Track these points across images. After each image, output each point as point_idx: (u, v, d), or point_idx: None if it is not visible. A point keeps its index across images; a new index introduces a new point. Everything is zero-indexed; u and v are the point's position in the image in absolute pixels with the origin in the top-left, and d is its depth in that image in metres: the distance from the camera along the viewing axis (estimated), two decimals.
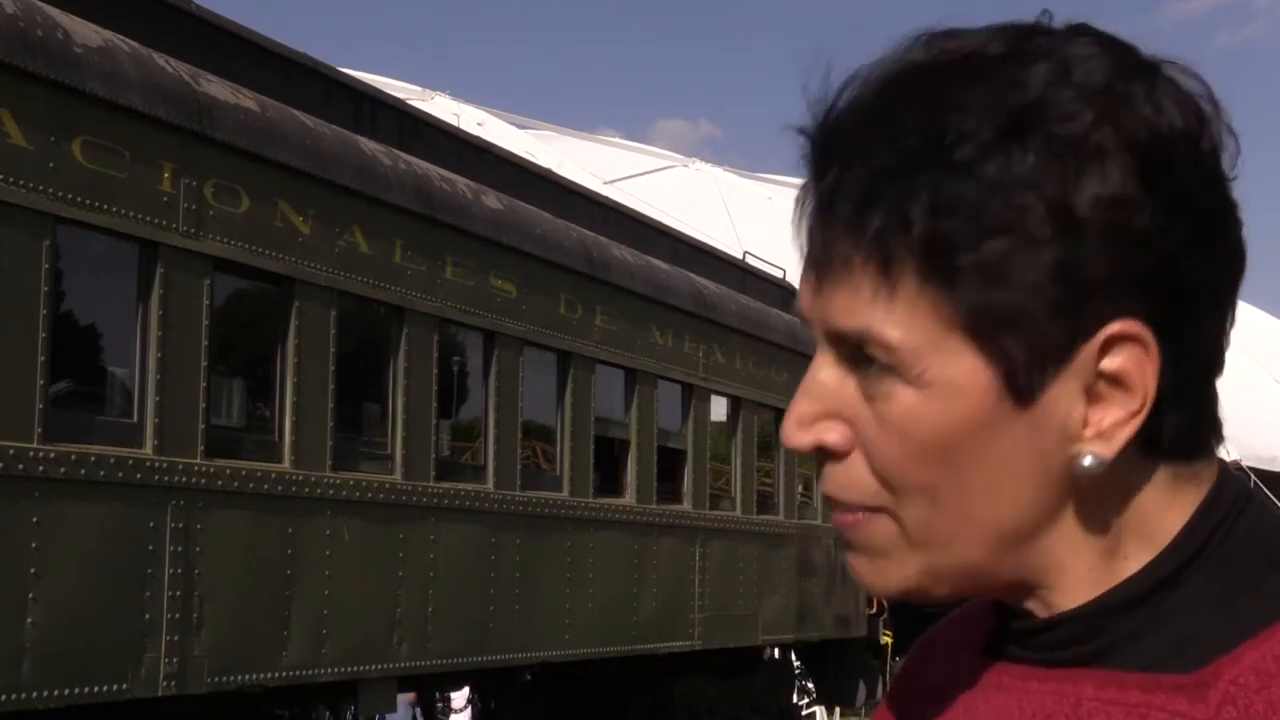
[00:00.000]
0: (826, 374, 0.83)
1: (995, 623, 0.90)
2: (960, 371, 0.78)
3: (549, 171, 10.90)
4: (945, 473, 0.80)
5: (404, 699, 13.76)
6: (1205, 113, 0.80)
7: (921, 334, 0.78)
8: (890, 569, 0.83)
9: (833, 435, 0.82)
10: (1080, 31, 0.81)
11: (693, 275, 11.62)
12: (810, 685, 14.92)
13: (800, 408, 0.83)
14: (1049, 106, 0.77)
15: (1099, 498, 0.81)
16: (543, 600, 9.09)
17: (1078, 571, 0.82)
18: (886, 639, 15.13)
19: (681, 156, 35.46)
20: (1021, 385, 0.78)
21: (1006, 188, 0.76)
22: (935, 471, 0.80)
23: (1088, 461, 0.78)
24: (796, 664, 14.28)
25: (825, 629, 13.32)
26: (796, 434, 0.83)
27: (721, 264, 12.98)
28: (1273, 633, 0.77)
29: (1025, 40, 0.80)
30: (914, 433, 0.79)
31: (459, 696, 13.55)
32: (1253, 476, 23.55)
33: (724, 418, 12.05)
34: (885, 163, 0.78)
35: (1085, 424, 0.79)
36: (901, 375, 0.79)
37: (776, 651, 13.44)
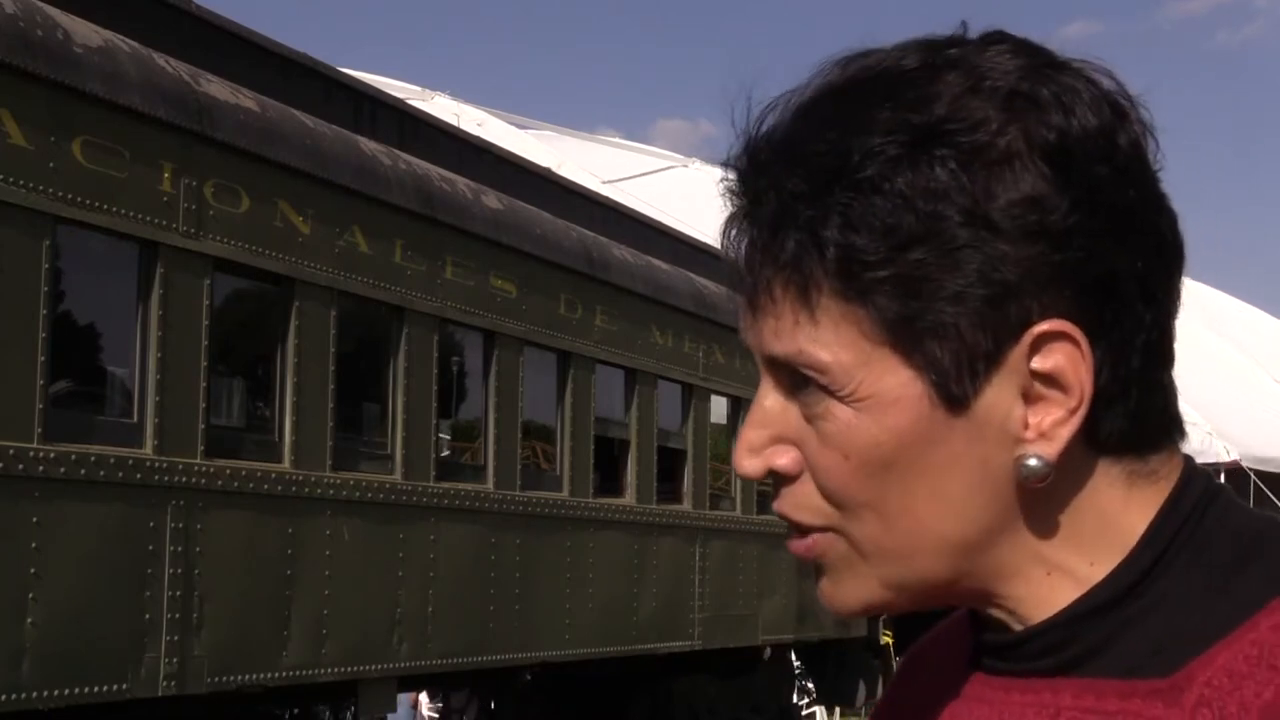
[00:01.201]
0: (770, 400, 0.85)
1: (974, 636, 0.90)
2: (891, 385, 0.79)
3: (549, 171, 10.91)
4: (889, 486, 0.80)
5: (404, 699, 13.78)
6: (1121, 109, 0.81)
7: (849, 352, 0.79)
8: (849, 586, 0.84)
9: (782, 459, 0.84)
10: (994, 39, 0.82)
11: (693, 275, 11.62)
12: (810, 685, 14.93)
13: (748, 435, 0.85)
14: (957, 117, 0.78)
15: (1050, 502, 0.81)
16: (543, 600, 9.09)
17: (1037, 578, 0.82)
18: (886, 639, 15.13)
19: (681, 156, 35.43)
20: (954, 393, 0.78)
21: (917, 199, 0.77)
22: (878, 486, 0.80)
23: (1032, 463, 0.78)
24: (796, 664, 14.28)
25: (825, 629, 13.31)
26: (747, 461, 0.85)
27: (721, 264, 12.87)
28: (1243, 632, 0.76)
29: (938, 52, 0.81)
30: (853, 449, 0.80)
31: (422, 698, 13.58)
32: (1253, 476, 23.56)
33: (724, 418, 12.05)
34: (796, 188, 0.79)
35: (1025, 426, 0.79)
36: (835, 394, 0.80)
37: (776, 651, 13.44)
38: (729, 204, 0.86)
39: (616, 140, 36.64)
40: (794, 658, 14.06)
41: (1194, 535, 0.81)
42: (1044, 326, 0.77)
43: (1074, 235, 0.77)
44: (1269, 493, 23.21)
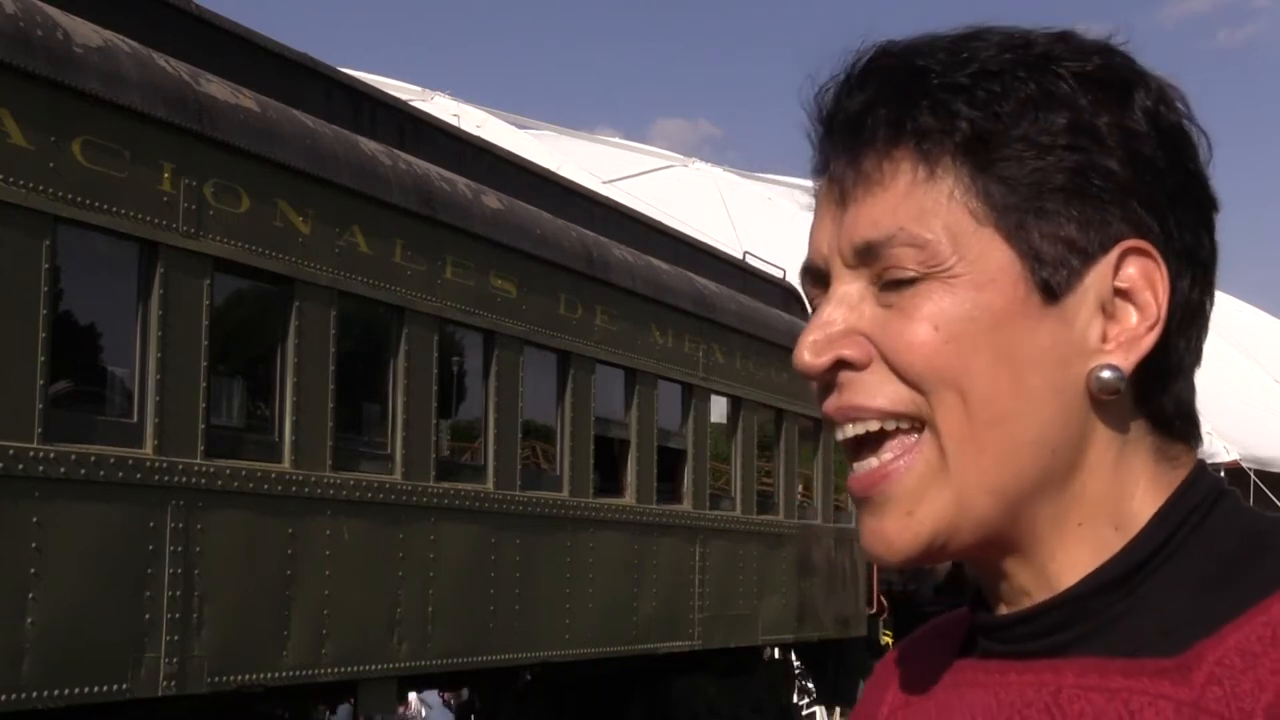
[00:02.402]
0: (844, 292, 0.85)
1: (971, 625, 0.91)
2: (991, 264, 0.82)
3: (549, 171, 10.90)
4: (975, 366, 0.81)
5: (432, 698, 13.76)
6: (1184, 114, 0.86)
7: (954, 229, 0.82)
8: (922, 508, 0.83)
9: (852, 349, 0.84)
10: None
11: (693, 275, 11.62)
12: (810, 685, 14.92)
13: (818, 325, 0.85)
14: (1062, 52, 0.84)
15: (1101, 445, 0.83)
16: (543, 600, 9.09)
17: (1071, 529, 0.83)
18: (886, 639, 15.13)
19: (681, 156, 35.42)
20: (1050, 282, 0.81)
21: (1038, 98, 0.82)
22: (966, 363, 0.81)
23: (1106, 375, 0.81)
24: (796, 664, 14.28)
25: (825, 629, 13.31)
26: (812, 353, 0.84)
27: (721, 264, 12.98)
28: (1255, 614, 0.77)
29: (1015, 27, 0.87)
30: (945, 320, 0.81)
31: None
32: (1253, 476, 23.56)
33: (724, 418, 12.05)
34: (927, 66, 0.83)
35: (1104, 339, 0.82)
36: (933, 273, 0.82)
37: (776, 651, 13.44)
38: (823, 123, 0.88)
39: (616, 140, 36.63)
40: (794, 658, 14.06)
41: (1204, 523, 0.83)
42: (1132, 242, 0.82)
43: (1164, 174, 0.83)
44: (1269, 493, 23.21)
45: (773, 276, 13.85)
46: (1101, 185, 0.81)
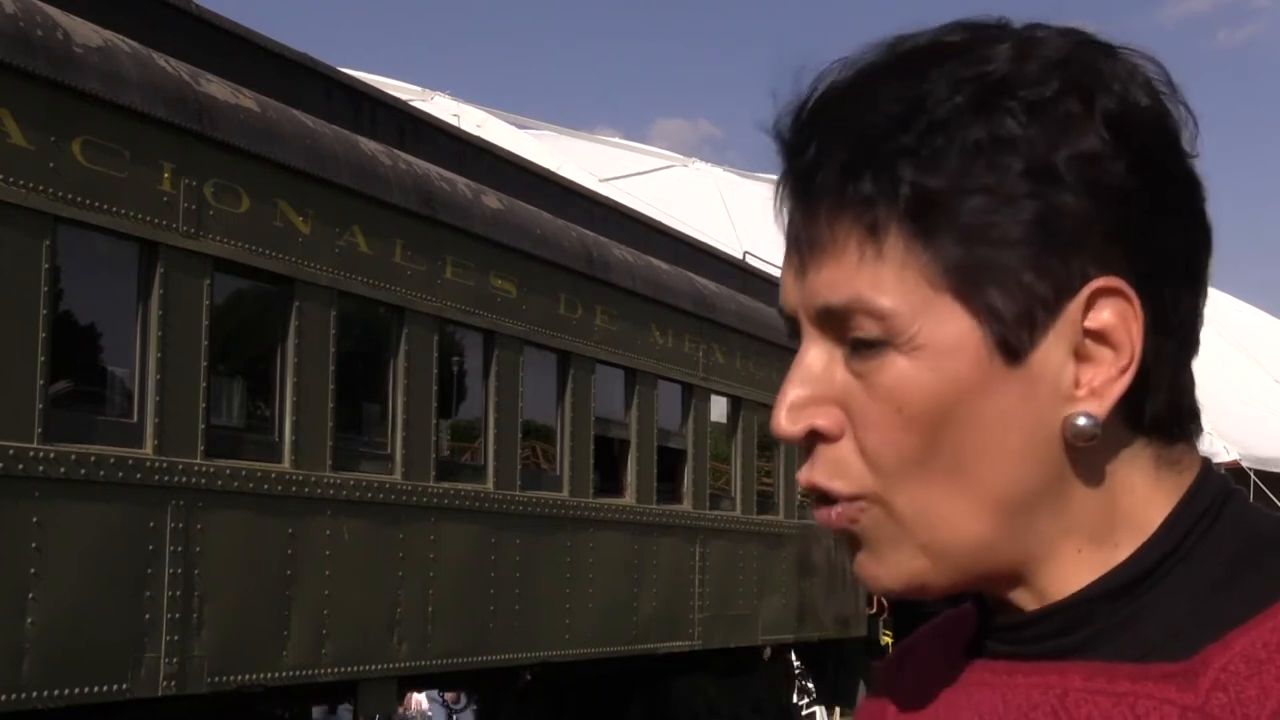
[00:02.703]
0: (813, 357, 0.83)
1: (978, 625, 0.90)
2: (952, 332, 0.79)
3: (549, 171, 10.90)
4: (941, 441, 0.79)
5: (430, 698, 13.76)
6: (1163, 93, 0.82)
7: (910, 298, 0.79)
8: (895, 558, 0.82)
9: (824, 420, 0.82)
10: (1038, 26, 0.84)
11: (693, 275, 11.62)
12: (810, 685, 14.92)
13: (790, 395, 0.83)
14: (1019, 75, 0.79)
15: (1090, 476, 0.81)
16: (543, 600, 9.09)
17: (1069, 555, 0.82)
18: (886, 639, 15.13)
19: (681, 156, 35.44)
20: (1012, 342, 0.79)
21: (986, 147, 0.78)
22: (931, 440, 0.79)
23: (1081, 422, 0.79)
24: (796, 664, 14.27)
25: (825, 629, 13.31)
26: (788, 423, 0.83)
27: (721, 264, 12.98)
28: (1263, 620, 0.76)
29: (984, 30, 0.83)
30: (908, 400, 0.79)
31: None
32: (1253, 476, 23.56)
33: (724, 418, 12.05)
34: (868, 129, 0.80)
35: (1077, 384, 0.79)
36: (892, 343, 0.79)
37: (776, 651, 13.44)
38: (782, 159, 0.86)
39: (616, 140, 36.63)
40: (794, 658, 14.06)
41: (1212, 527, 0.82)
42: (1100, 282, 0.79)
43: (1131, 198, 0.79)
44: (1269, 493, 23.21)
45: (773, 276, 13.85)
46: (1061, 228, 0.78)
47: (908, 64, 0.81)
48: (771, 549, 12.36)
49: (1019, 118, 0.78)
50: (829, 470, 0.83)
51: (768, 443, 12.69)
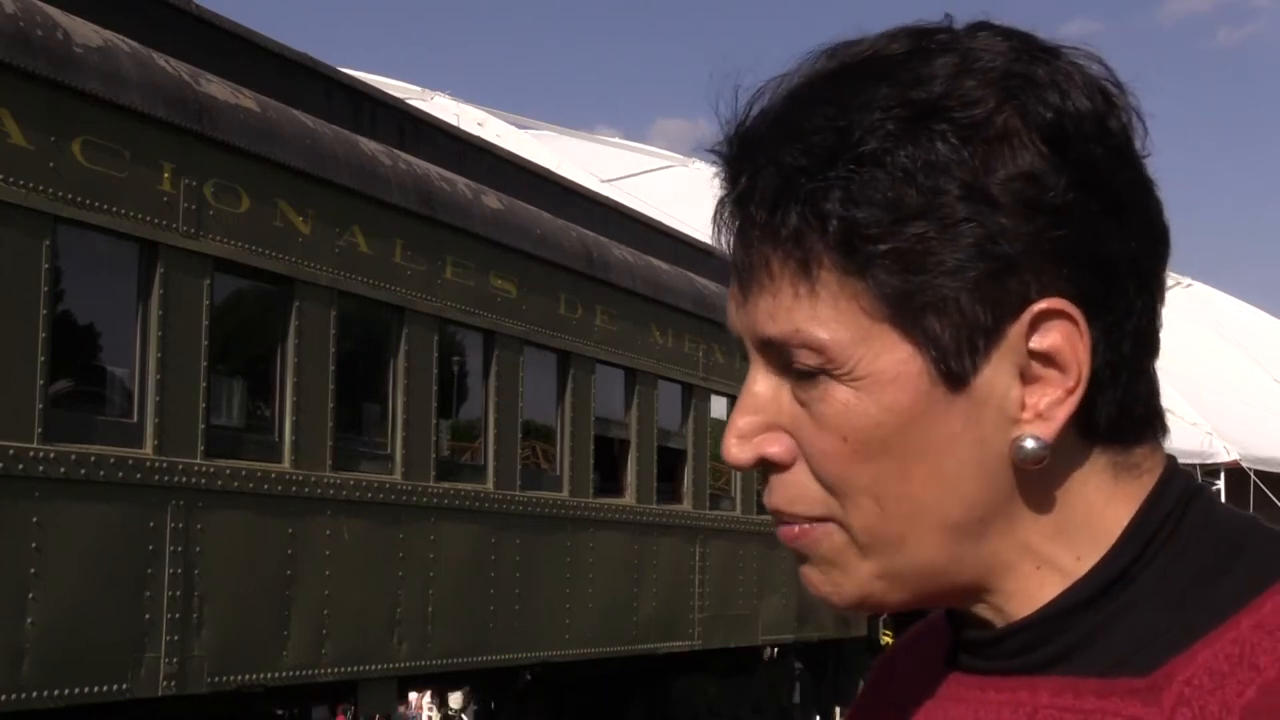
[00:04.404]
0: (761, 386, 0.83)
1: (951, 637, 0.89)
2: (891, 362, 0.78)
3: (549, 171, 10.91)
4: (887, 469, 0.79)
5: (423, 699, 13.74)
6: (1111, 94, 0.81)
7: (848, 329, 0.78)
8: (844, 579, 0.82)
9: (774, 447, 0.82)
10: (981, 27, 0.82)
11: (693, 275, 11.62)
12: (810, 685, 14.91)
13: (739, 422, 0.83)
14: (953, 94, 0.78)
15: (1043, 491, 0.80)
16: (543, 600, 9.09)
17: (1027, 572, 0.81)
18: (886, 639, 15.12)
19: (680, 156, 35.42)
20: (953, 370, 0.78)
21: (917, 174, 0.77)
22: (877, 468, 0.79)
23: (1029, 445, 0.78)
24: (796, 664, 14.27)
25: (825, 629, 13.32)
26: (737, 450, 0.83)
27: (721, 264, 12.88)
28: (1224, 631, 0.76)
29: (928, 37, 0.81)
30: (851, 430, 0.79)
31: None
32: (1253, 476, 23.54)
33: (724, 418, 12.05)
34: (795, 162, 0.79)
35: (1023, 407, 0.78)
36: (833, 374, 0.79)
37: (776, 651, 13.44)
38: (721, 188, 0.85)
39: (615, 140, 36.62)
40: (794, 658, 14.06)
41: (1175, 533, 0.80)
42: (1043, 305, 0.77)
43: (1072, 212, 0.77)
44: (1269, 493, 23.22)
45: None
46: (1000, 252, 0.76)
47: (842, 82, 0.80)
48: (771, 549, 12.35)
49: (950, 141, 0.77)
50: (787, 497, 0.83)
51: None
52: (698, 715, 11.47)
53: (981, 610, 0.84)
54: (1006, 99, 0.78)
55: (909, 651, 0.98)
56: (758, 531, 12.16)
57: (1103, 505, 0.81)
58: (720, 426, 11.97)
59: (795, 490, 0.82)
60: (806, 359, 0.79)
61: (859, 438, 0.79)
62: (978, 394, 0.78)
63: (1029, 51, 0.80)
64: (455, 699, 12.31)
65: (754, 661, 12.56)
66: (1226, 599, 0.77)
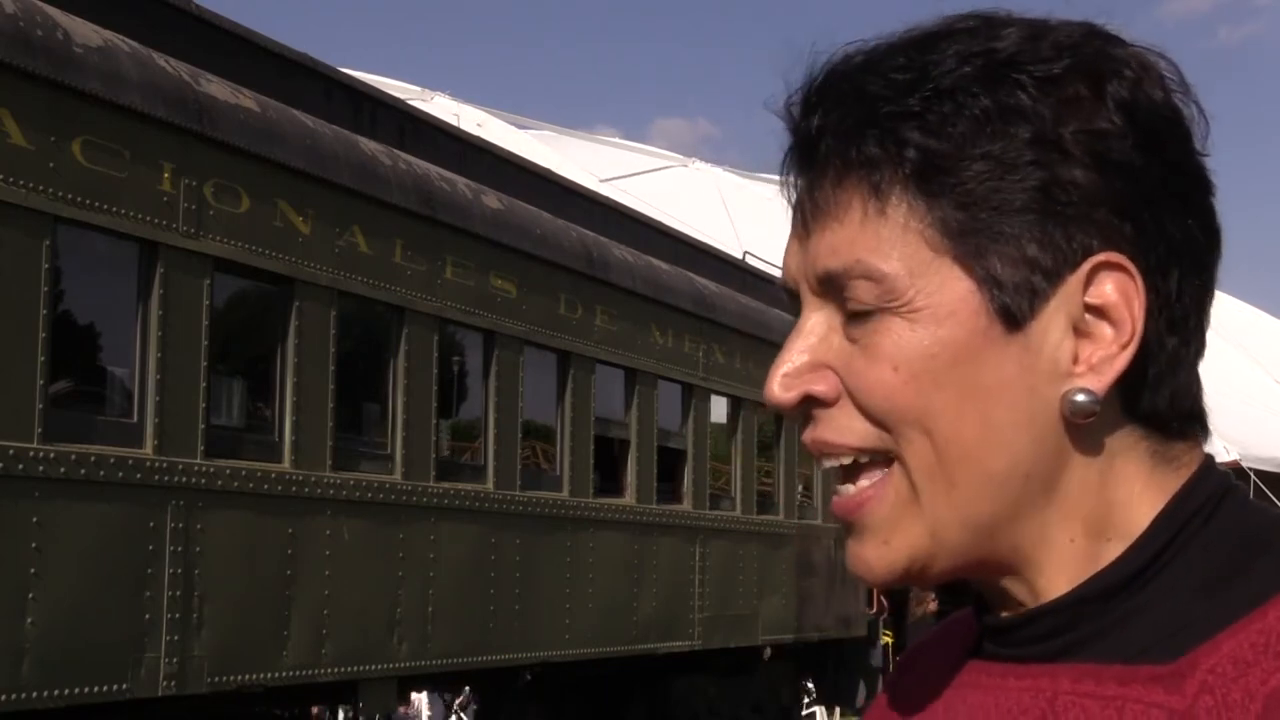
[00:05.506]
0: (813, 324, 0.84)
1: (977, 626, 0.90)
2: (950, 296, 0.79)
3: (549, 171, 10.90)
4: (938, 404, 0.79)
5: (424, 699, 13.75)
6: (1175, 91, 0.82)
7: (910, 261, 0.79)
8: (895, 537, 0.82)
9: (820, 385, 0.82)
10: (1050, 16, 0.84)
11: (693, 275, 11.62)
12: (810, 685, 14.92)
13: (788, 358, 0.83)
14: (1028, 54, 0.80)
15: (1083, 463, 0.81)
16: (543, 600, 9.09)
17: (1062, 545, 0.82)
18: (886, 639, 15.13)
19: (680, 156, 35.43)
20: (1011, 309, 0.79)
21: (993, 114, 0.78)
22: (927, 402, 0.79)
23: (1080, 398, 0.78)
24: (797, 664, 14.28)
25: (825, 629, 13.32)
26: (780, 390, 0.83)
27: (721, 264, 12.98)
28: (1251, 620, 0.76)
29: (996, 16, 0.83)
30: (904, 360, 0.79)
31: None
32: (1253, 476, 23.58)
33: (724, 418, 12.05)
34: (876, 92, 0.80)
35: (1075, 360, 0.79)
36: (891, 307, 0.80)
37: (776, 651, 13.44)
38: (789, 132, 0.86)
39: (615, 140, 36.63)
40: (794, 658, 14.06)
41: (1205, 526, 0.81)
42: (1103, 256, 0.79)
43: (1138, 174, 0.79)
44: (1269, 493, 23.21)
45: (773, 276, 13.84)
46: (1066, 199, 0.78)
47: (916, 41, 0.82)
48: (771, 549, 12.36)
49: (1028, 90, 0.79)
50: (835, 429, 0.83)
51: (768, 443, 12.69)
52: (698, 715, 11.47)
53: (1014, 588, 0.84)
54: (1081, 66, 0.80)
55: (935, 645, 0.98)
56: (758, 531, 12.16)
57: (1139, 492, 0.82)
58: (720, 428, 11.97)
59: (841, 423, 0.82)
60: (864, 293, 0.80)
61: (910, 368, 0.79)
62: (1032, 341, 0.79)
63: (1102, 34, 0.82)
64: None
65: (754, 661, 12.56)
66: (1254, 592, 0.77)
